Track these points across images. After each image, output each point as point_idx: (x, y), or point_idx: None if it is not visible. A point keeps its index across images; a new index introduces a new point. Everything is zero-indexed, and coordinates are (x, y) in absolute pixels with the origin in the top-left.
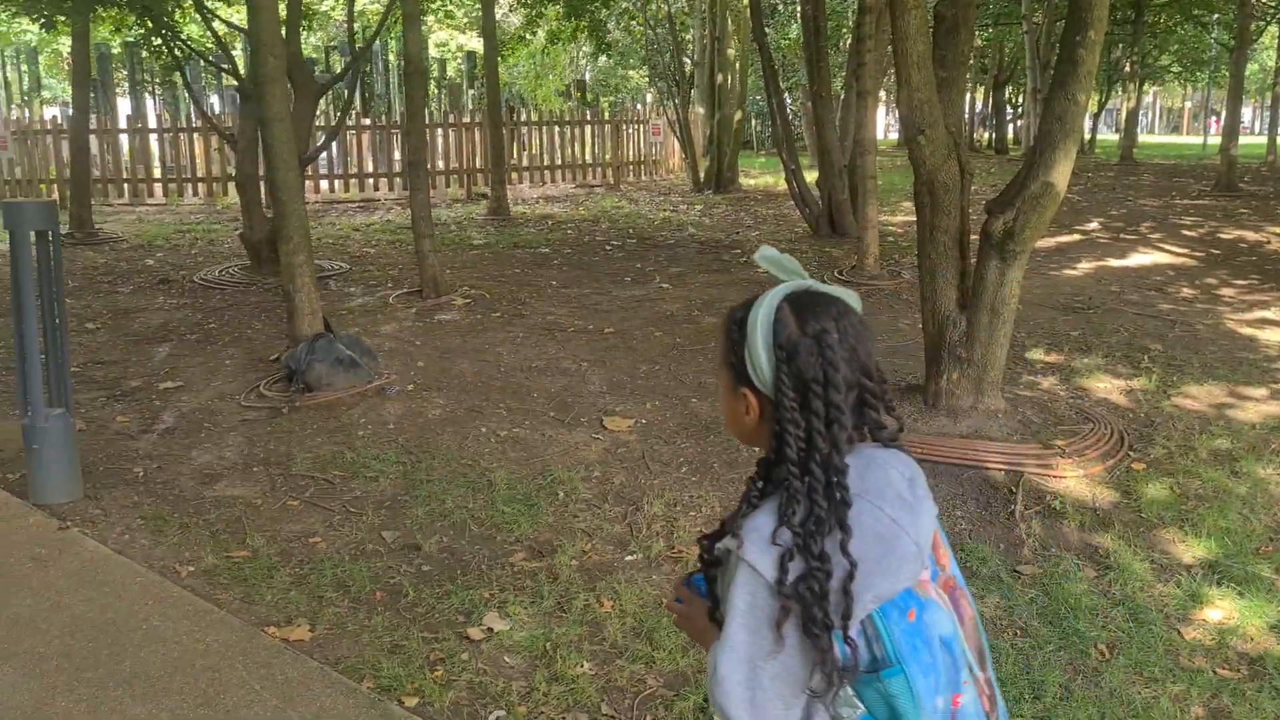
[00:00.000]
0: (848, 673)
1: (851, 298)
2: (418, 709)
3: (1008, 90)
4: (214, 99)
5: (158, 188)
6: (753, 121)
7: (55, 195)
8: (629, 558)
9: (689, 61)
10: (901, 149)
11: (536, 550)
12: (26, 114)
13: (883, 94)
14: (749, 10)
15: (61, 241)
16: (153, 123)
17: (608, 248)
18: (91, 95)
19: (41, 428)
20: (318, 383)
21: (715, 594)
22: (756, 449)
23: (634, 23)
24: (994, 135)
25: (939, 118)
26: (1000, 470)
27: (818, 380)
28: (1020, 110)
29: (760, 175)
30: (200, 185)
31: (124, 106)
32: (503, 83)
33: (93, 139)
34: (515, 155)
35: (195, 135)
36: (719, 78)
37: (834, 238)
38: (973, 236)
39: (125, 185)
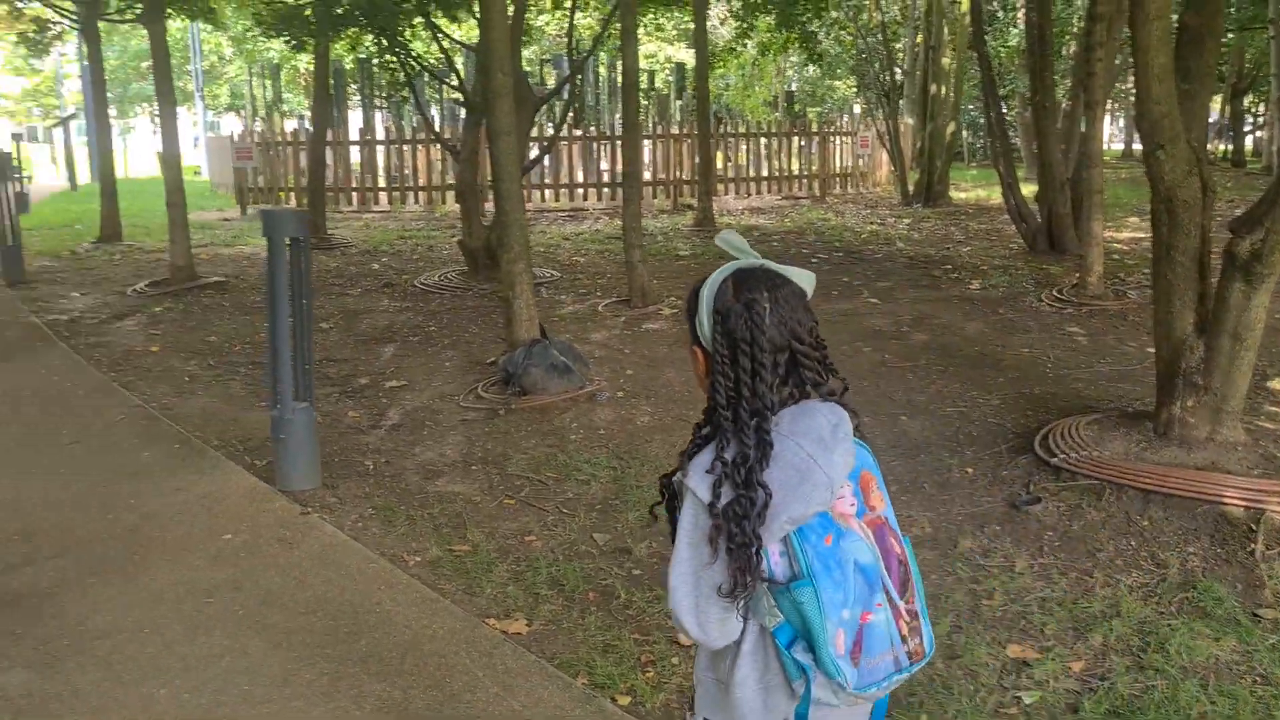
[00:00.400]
0: (770, 583)
1: (804, 278)
2: (630, 708)
3: (1247, 99)
4: (434, 112)
5: (383, 196)
6: (963, 133)
7: (293, 202)
8: None
9: (899, 71)
10: (1127, 161)
11: None
12: (269, 127)
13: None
14: (968, 17)
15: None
16: (380, 135)
17: (814, 260)
18: (332, 109)
19: (288, 419)
20: (533, 387)
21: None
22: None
23: (844, 32)
24: (1231, 147)
25: (1180, 132)
26: (1239, 506)
27: (745, 340)
28: (1261, 121)
29: (972, 189)
30: (421, 194)
31: (354, 119)
32: (711, 94)
33: (330, 150)
34: (721, 166)
35: (419, 146)
36: (932, 88)
37: (1052, 255)
38: (1213, 256)
39: (354, 193)
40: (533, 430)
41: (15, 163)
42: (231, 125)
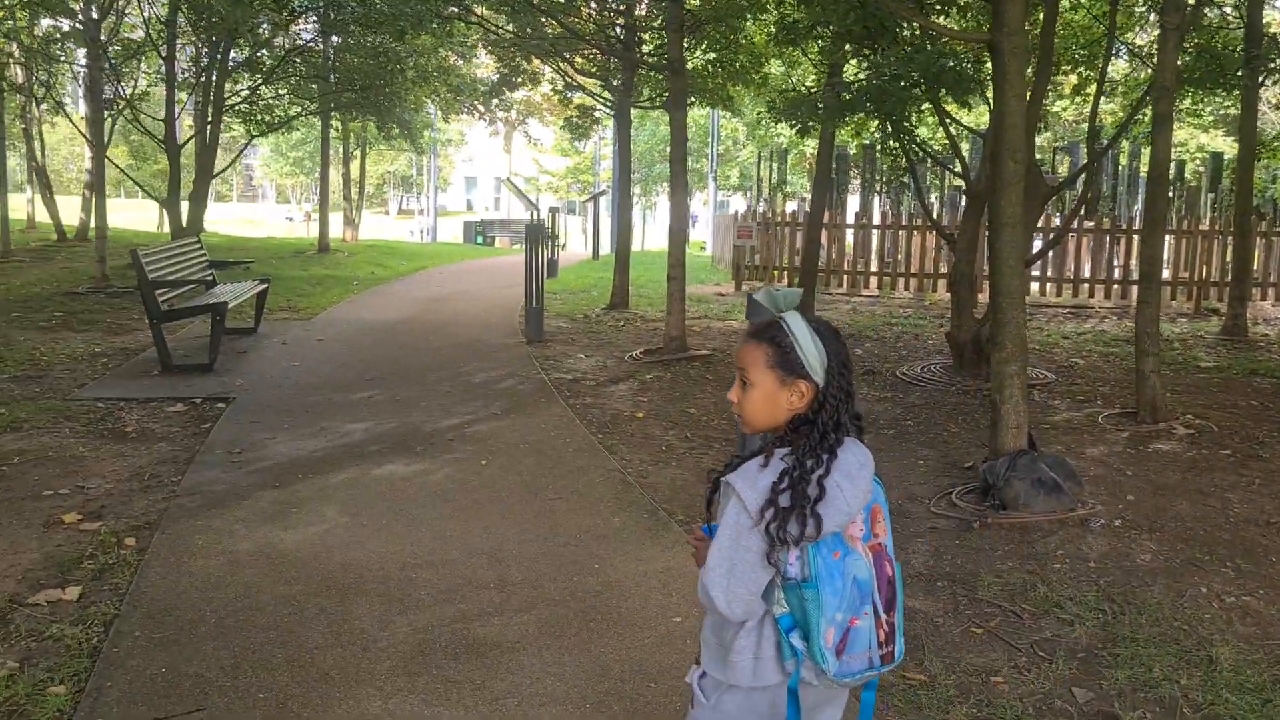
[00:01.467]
0: (784, 580)
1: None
2: None
3: None
4: (933, 199)
5: (873, 280)
6: None
7: (785, 281)
8: None
9: None
10: None
11: None
12: (770, 208)
13: None
14: None
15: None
16: (876, 219)
17: None
18: (830, 193)
19: None
20: (1014, 502)
21: (711, 515)
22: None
23: None
24: None
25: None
26: None
27: (849, 370)
28: None
29: None
30: (912, 280)
31: (852, 203)
32: (1256, 187)
33: (825, 232)
34: (1260, 268)
35: (914, 233)
36: None
37: None
38: None
39: (845, 276)
40: (1010, 551)
41: (552, 233)
42: (738, 205)
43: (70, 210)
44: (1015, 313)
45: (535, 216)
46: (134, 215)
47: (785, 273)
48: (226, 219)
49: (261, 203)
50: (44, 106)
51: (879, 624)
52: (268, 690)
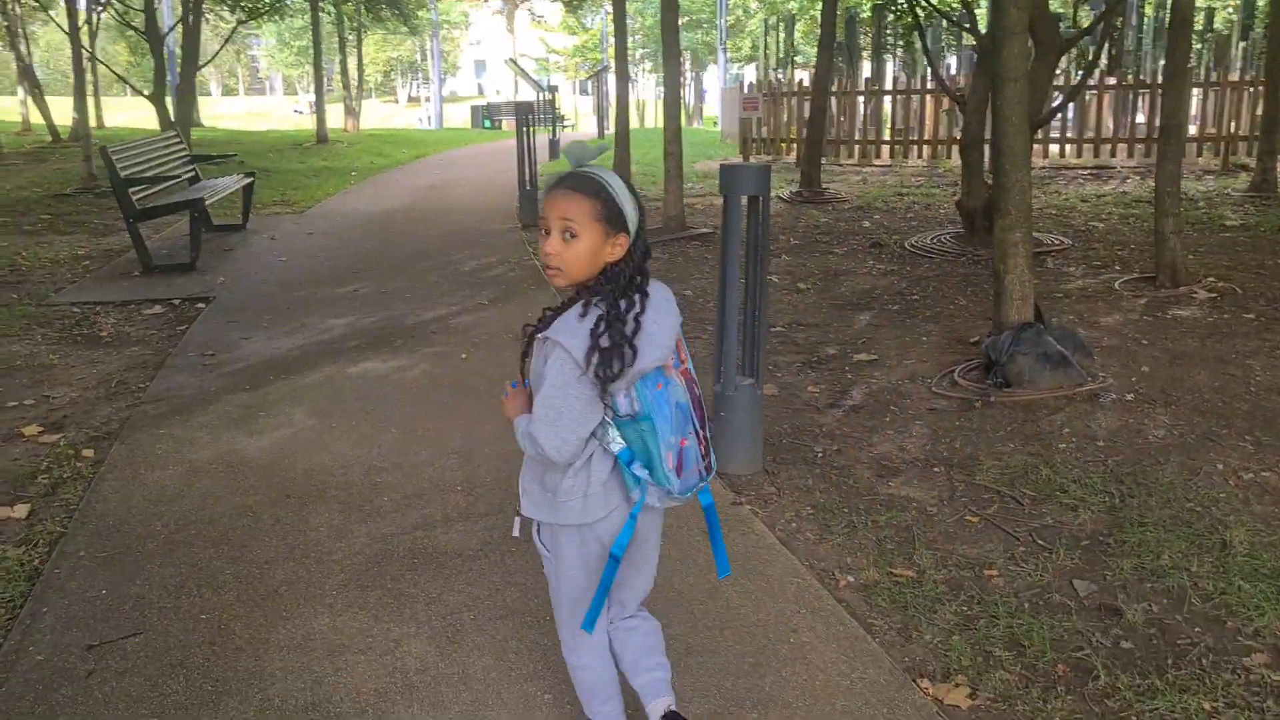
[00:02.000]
0: (617, 417)
1: None
2: None
3: None
4: (950, 60)
5: (885, 149)
6: None
7: (793, 155)
8: None
9: None
10: None
11: None
12: (782, 78)
13: None
14: None
15: (798, 201)
16: (888, 85)
17: None
18: (838, 59)
19: (731, 396)
20: (1018, 378)
21: (523, 371)
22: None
23: None
24: None
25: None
26: None
27: (645, 219)
28: None
29: None
30: (925, 147)
31: (867, 69)
32: None
33: (833, 101)
34: None
35: (927, 97)
36: None
37: None
38: None
39: (855, 146)
40: (1012, 431)
41: (559, 113)
42: (751, 77)
43: (66, 110)
44: (1018, 175)
45: (541, 97)
46: (138, 114)
47: (795, 145)
48: (234, 113)
49: (270, 95)
50: (21, 2)
51: (700, 440)
52: (210, 611)
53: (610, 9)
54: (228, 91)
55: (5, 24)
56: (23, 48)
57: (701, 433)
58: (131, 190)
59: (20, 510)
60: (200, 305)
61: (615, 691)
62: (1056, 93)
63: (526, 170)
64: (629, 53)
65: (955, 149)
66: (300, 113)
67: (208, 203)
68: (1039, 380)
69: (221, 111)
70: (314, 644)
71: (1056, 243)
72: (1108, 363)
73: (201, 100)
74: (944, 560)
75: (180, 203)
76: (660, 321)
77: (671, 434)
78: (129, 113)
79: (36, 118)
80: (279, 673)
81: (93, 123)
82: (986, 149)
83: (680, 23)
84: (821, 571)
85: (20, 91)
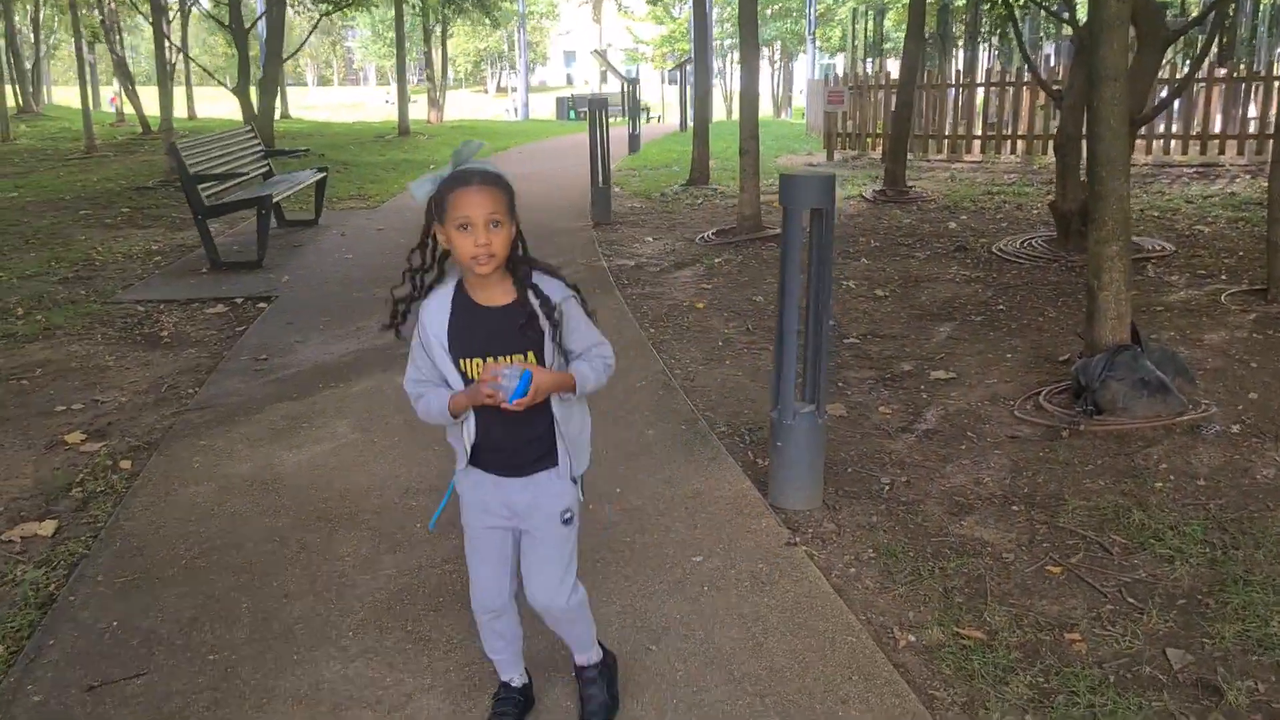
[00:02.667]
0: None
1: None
2: None
3: None
4: (1048, 49)
5: (976, 144)
6: None
7: (880, 150)
8: None
9: None
10: None
11: None
12: (871, 68)
13: None
14: None
15: (881, 200)
16: (981, 76)
17: None
18: (930, 49)
19: (787, 425)
20: (1110, 405)
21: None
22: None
23: None
24: None
25: None
26: None
27: None
28: None
29: None
30: (1019, 143)
31: (960, 60)
32: None
33: (921, 94)
34: None
35: (1023, 90)
36: None
37: None
38: None
39: (945, 141)
40: (1103, 466)
41: (632, 106)
42: (842, 67)
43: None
44: (1116, 183)
45: (626, 89)
46: (231, 105)
47: (880, 140)
48: (328, 103)
49: (363, 85)
50: None
51: None
52: (221, 650)
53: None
54: (323, 82)
55: (101, 19)
56: (116, 42)
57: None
58: (201, 186)
59: (48, 527)
60: (262, 305)
61: None
62: (1162, 86)
63: (599, 166)
64: (716, 43)
65: (1050, 145)
66: (390, 103)
67: (278, 199)
68: (1134, 408)
69: (315, 102)
70: (321, 695)
71: (1158, 248)
72: (1211, 388)
73: (297, 91)
74: (1019, 619)
75: (248, 199)
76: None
77: None
78: (224, 104)
79: (131, 109)
80: None
81: (184, 114)
82: (1084, 147)
83: (768, 12)
84: (880, 628)
85: (115, 84)
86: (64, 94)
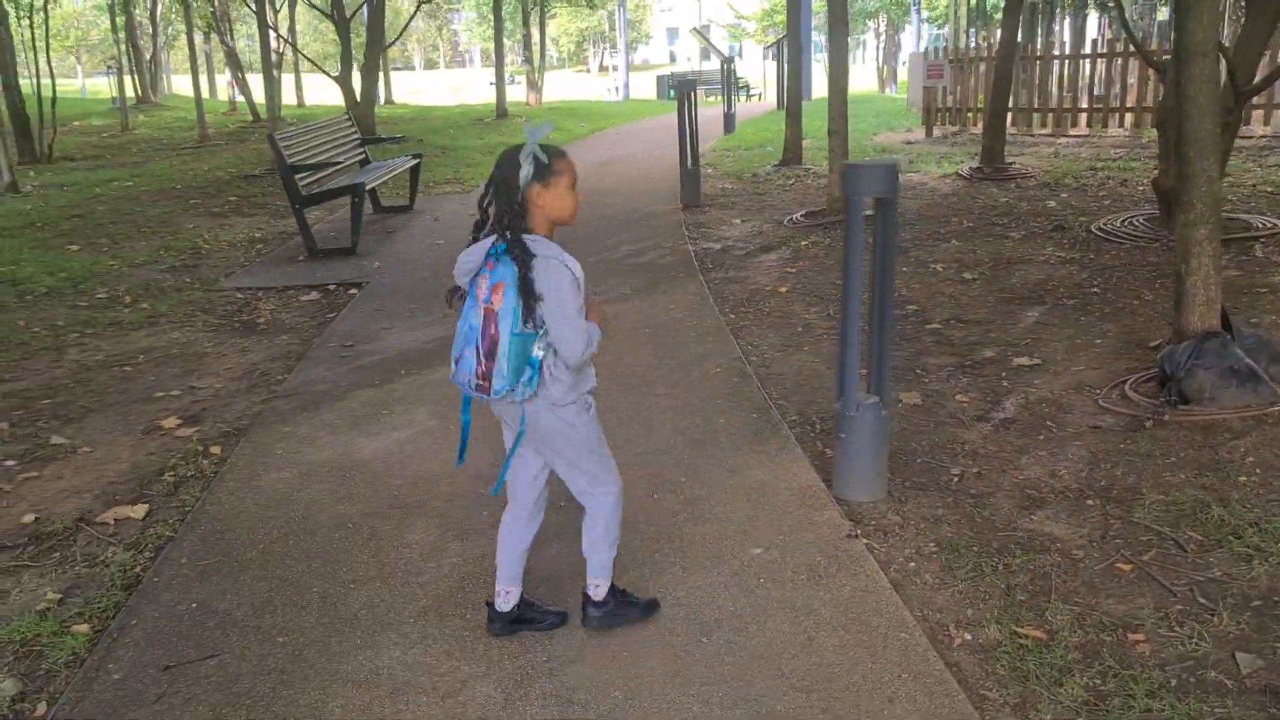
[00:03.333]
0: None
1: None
2: None
3: None
4: (1159, 16)
5: (1082, 117)
6: None
7: (980, 126)
8: None
9: None
10: None
11: None
12: (975, 40)
13: None
14: None
15: (978, 178)
16: (1088, 46)
17: None
18: (1041, 18)
19: (851, 417)
20: (1197, 395)
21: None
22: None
23: None
24: None
25: None
26: None
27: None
28: None
29: None
30: (1127, 115)
31: (1067, 29)
32: None
33: (1024, 66)
34: None
35: (1130, 60)
36: None
37: None
38: None
39: (1049, 114)
40: (1185, 459)
41: (727, 84)
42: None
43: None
44: (1205, 163)
45: (726, 67)
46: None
47: (980, 115)
48: (433, 86)
49: (469, 68)
50: None
51: (479, 365)
52: (290, 633)
53: None
54: (429, 65)
55: (213, 10)
56: (226, 32)
57: (484, 362)
58: (298, 175)
59: (139, 510)
60: (353, 291)
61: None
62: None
63: (688, 148)
64: (816, 15)
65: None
66: (493, 85)
67: (371, 186)
68: (1222, 398)
69: (420, 85)
70: (380, 680)
71: (1267, 226)
72: None
73: (404, 75)
74: (1082, 618)
75: (342, 188)
76: (469, 255)
77: (457, 347)
78: (333, 90)
79: (243, 98)
80: (338, 711)
81: (293, 101)
82: None
83: None
84: (935, 625)
85: (227, 73)
86: (183, 82)
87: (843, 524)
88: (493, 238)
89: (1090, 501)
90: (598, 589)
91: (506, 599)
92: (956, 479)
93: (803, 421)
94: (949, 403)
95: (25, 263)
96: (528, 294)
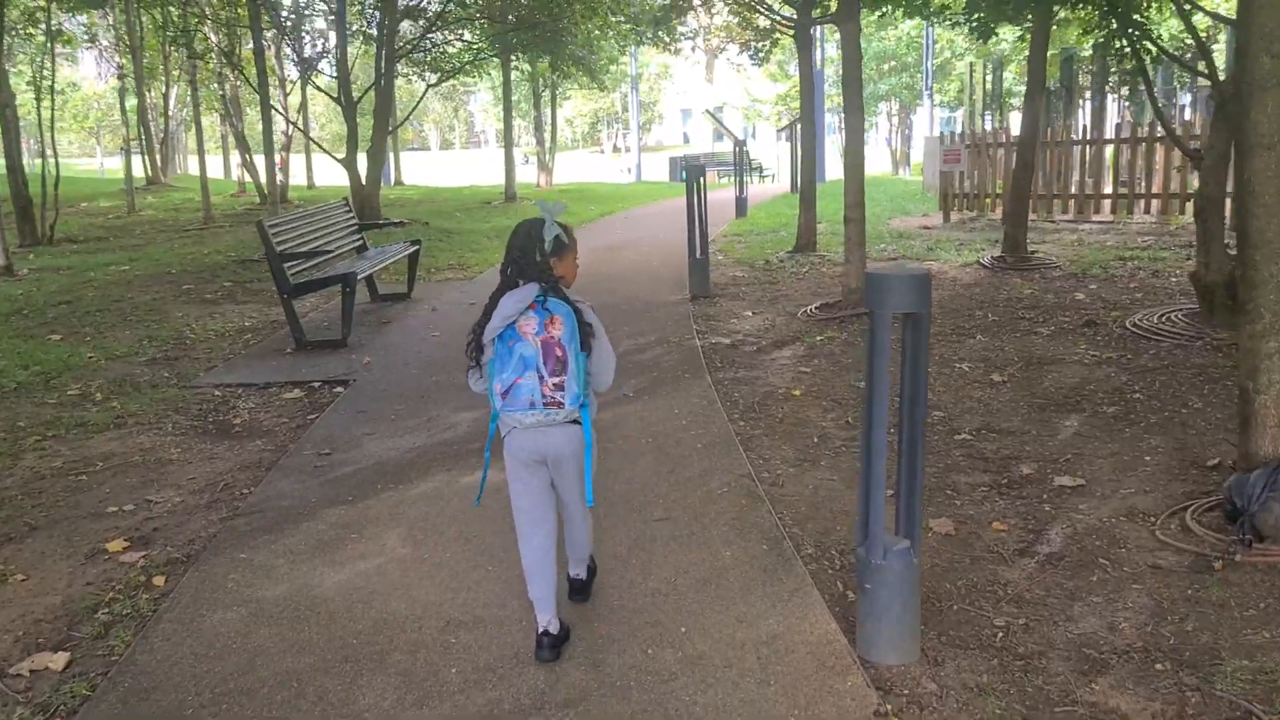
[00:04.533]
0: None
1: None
2: None
3: None
4: (1184, 100)
5: (1106, 204)
6: None
7: (999, 211)
8: None
9: None
10: None
11: None
12: (990, 123)
13: None
14: None
15: (1000, 268)
16: (1109, 131)
17: None
18: (1059, 102)
19: (878, 566)
20: (1274, 532)
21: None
22: None
23: None
24: None
25: None
26: None
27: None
28: None
29: None
30: (1154, 202)
31: (1087, 113)
32: None
33: (1046, 150)
34: None
35: (1157, 145)
36: None
37: None
38: None
39: (1071, 200)
40: (1269, 611)
41: (753, 165)
42: (961, 122)
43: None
44: (1274, 268)
45: (739, 149)
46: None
47: (1000, 200)
48: (446, 167)
49: (485, 148)
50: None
51: (544, 385)
52: None
53: (827, 53)
54: (445, 145)
55: (222, 94)
56: (233, 115)
57: (551, 380)
58: (288, 264)
59: (60, 660)
60: (339, 389)
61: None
62: None
63: (697, 235)
64: (829, 100)
65: (1190, 205)
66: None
67: (364, 275)
68: None
69: (434, 166)
70: None
71: None
72: None
73: (418, 155)
74: None
75: (333, 277)
76: (507, 302)
77: (504, 373)
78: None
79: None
80: None
81: (304, 182)
82: (1227, 208)
83: (884, 67)
84: None
85: (236, 154)
86: (196, 163)
87: (869, 695)
88: (530, 288)
89: (1159, 665)
90: (581, 564)
91: (554, 620)
92: (1001, 634)
93: (819, 555)
94: (986, 532)
95: (1, 354)
96: (584, 328)
